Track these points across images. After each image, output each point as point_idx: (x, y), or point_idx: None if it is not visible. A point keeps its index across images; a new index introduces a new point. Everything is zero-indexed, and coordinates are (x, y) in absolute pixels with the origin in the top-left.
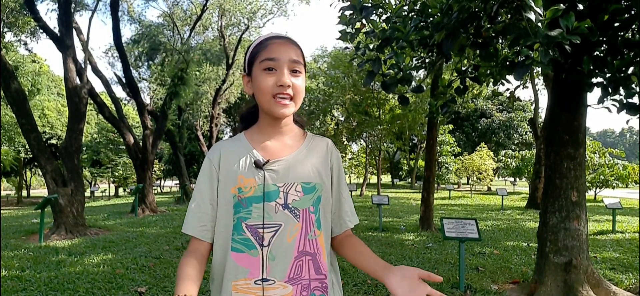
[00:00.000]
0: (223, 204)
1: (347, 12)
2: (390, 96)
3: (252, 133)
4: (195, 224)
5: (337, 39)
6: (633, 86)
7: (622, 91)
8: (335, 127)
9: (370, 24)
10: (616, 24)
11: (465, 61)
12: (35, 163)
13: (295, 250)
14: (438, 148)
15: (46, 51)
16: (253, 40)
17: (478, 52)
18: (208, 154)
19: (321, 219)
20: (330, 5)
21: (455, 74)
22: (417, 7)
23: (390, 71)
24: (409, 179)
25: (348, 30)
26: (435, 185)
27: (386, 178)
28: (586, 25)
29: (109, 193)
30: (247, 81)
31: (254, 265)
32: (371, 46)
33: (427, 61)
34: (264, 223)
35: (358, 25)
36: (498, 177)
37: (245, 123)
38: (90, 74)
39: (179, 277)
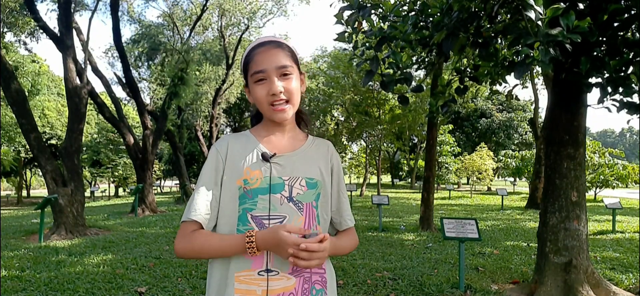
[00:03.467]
0: (228, 195)
1: (346, 13)
2: (390, 95)
3: (258, 130)
4: (203, 211)
5: (335, 39)
6: (632, 85)
7: (621, 91)
8: (335, 127)
9: (368, 23)
10: (616, 24)
11: (464, 61)
12: (35, 163)
13: None
14: (438, 147)
15: (46, 51)
16: (250, 42)
17: (478, 52)
18: (216, 144)
19: (320, 215)
20: (330, 5)
21: (454, 73)
22: (417, 7)
23: (389, 70)
24: (409, 179)
25: (346, 30)
26: (435, 185)
27: (386, 178)
28: (586, 25)
29: (109, 193)
30: (248, 93)
31: (258, 255)
32: (368, 45)
33: (426, 60)
34: (269, 214)
35: (356, 24)
36: (498, 177)
37: (255, 121)
38: (90, 74)
39: (215, 238)
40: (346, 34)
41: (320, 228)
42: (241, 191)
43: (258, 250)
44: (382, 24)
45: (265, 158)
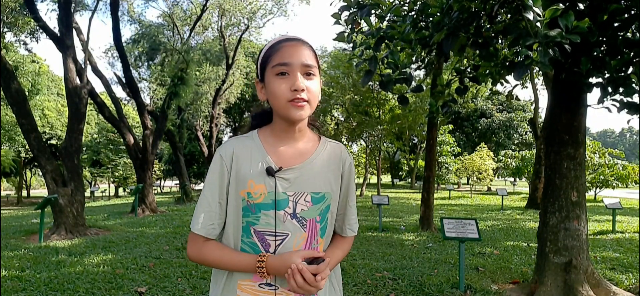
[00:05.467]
0: (233, 204)
1: (344, 13)
2: (390, 95)
3: (266, 135)
4: (206, 224)
5: (334, 39)
6: (633, 85)
7: (621, 91)
8: (335, 127)
9: (366, 23)
10: (616, 24)
11: (464, 61)
12: (35, 163)
13: None
14: (438, 148)
15: (46, 51)
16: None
17: (478, 52)
18: (220, 150)
19: (327, 227)
20: (331, 3)
21: (454, 73)
22: (417, 7)
23: (388, 70)
24: (409, 179)
25: (345, 31)
26: (435, 185)
27: (386, 178)
28: (586, 25)
29: (109, 193)
30: (261, 87)
31: None
32: (367, 45)
33: (426, 60)
34: (275, 231)
35: (354, 25)
36: (498, 177)
37: (257, 121)
38: (90, 74)
39: (227, 254)
40: (345, 34)
41: (322, 241)
42: (244, 203)
43: (268, 274)
44: (380, 24)
45: (271, 173)
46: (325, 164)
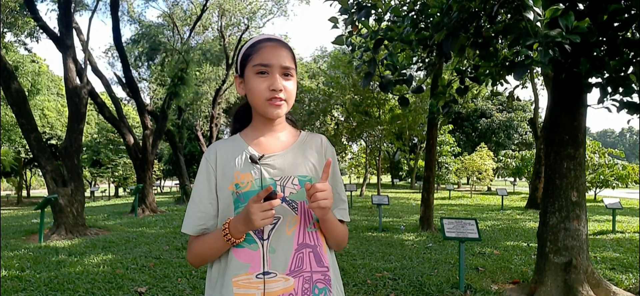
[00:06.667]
0: (223, 202)
1: (342, 17)
2: (390, 96)
3: (247, 132)
4: (195, 224)
5: (333, 42)
6: (632, 85)
7: (621, 91)
8: (335, 127)
9: (363, 26)
10: (616, 24)
11: (465, 61)
12: (35, 163)
13: (295, 242)
14: (438, 148)
15: (46, 51)
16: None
17: (478, 52)
18: (205, 154)
19: None
20: (331, 4)
21: (454, 74)
22: (417, 7)
23: (388, 71)
24: (409, 179)
25: (343, 34)
26: (435, 185)
27: (386, 178)
28: (585, 25)
29: (109, 193)
30: (240, 82)
31: (255, 259)
32: (366, 47)
33: (426, 60)
34: None
35: (352, 28)
36: (498, 177)
37: (240, 123)
38: (90, 74)
39: (205, 239)
40: (344, 38)
41: (319, 226)
42: (234, 196)
43: (236, 237)
44: (378, 26)
45: (254, 160)
46: (308, 151)
